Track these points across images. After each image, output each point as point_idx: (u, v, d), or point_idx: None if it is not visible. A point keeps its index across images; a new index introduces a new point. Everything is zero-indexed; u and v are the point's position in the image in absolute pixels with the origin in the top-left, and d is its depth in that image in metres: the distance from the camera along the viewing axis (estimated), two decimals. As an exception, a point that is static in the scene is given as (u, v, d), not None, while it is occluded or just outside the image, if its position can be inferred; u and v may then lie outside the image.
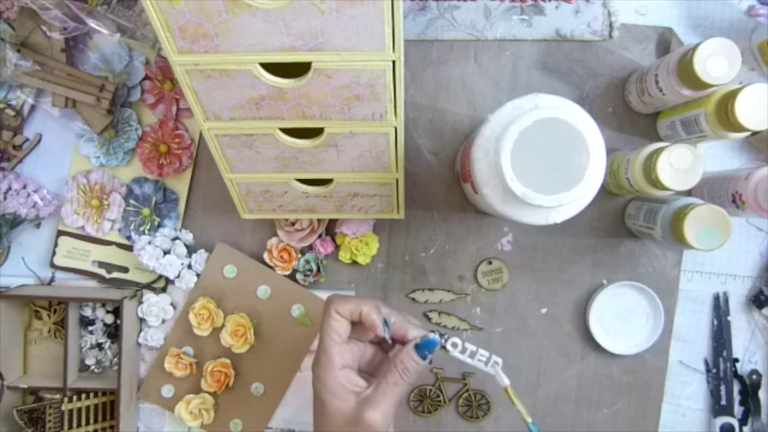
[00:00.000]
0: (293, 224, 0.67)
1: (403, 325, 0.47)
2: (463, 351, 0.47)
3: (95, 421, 0.69)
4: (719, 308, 0.67)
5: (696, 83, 0.54)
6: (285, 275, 0.68)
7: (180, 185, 0.69)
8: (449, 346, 0.47)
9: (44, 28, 0.63)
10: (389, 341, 0.47)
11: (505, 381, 0.47)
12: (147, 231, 0.68)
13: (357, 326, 0.48)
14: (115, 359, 0.70)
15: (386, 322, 0.46)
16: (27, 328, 0.71)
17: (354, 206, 0.62)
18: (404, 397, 0.47)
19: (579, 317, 0.68)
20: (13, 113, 0.67)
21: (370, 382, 0.47)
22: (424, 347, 0.45)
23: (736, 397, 0.68)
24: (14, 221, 0.67)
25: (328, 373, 0.45)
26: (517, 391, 0.69)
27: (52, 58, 0.64)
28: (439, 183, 0.68)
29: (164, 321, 0.69)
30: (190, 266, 0.68)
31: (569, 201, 0.46)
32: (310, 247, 0.68)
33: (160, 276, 0.69)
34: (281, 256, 0.67)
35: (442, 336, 0.47)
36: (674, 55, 0.56)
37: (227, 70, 0.47)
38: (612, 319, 0.67)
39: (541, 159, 0.45)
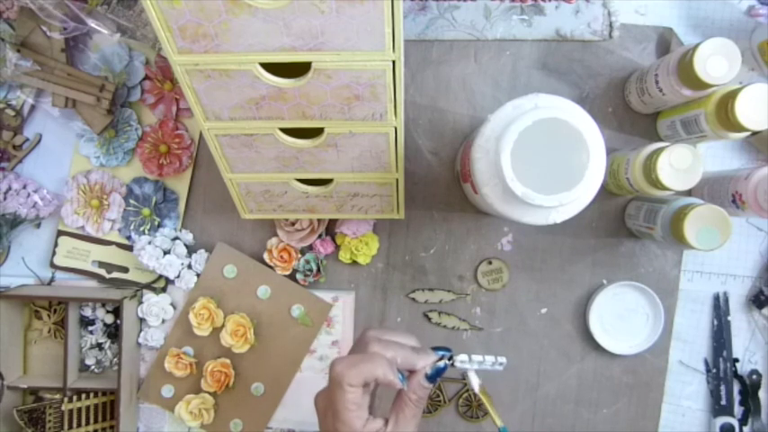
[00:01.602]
0: (293, 224, 0.67)
1: (410, 359, 0.45)
2: (471, 363, 0.46)
3: (95, 421, 0.69)
4: (719, 308, 0.67)
5: (696, 83, 0.54)
6: (285, 275, 0.68)
7: (180, 185, 0.69)
8: (458, 364, 0.46)
9: (44, 28, 0.63)
10: (406, 388, 0.45)
11: (476, 385, 0.46)
12: (147, 231, 0.68)
13: None
14: (115, 359, 0.70)
15: (400, 372, 0.44)
16: (27, 328, 0.71)
17: (354, 206, 0.62)
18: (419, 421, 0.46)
19: (579, 317, 0.68)
20: (13, 113, 0.67)
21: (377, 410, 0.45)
22: (434, 375, 0.45)
23: (736, 397, 0.68)
24: (14, 221, 0.67)
25: None
26: (517, 392, 0.69)
27: (52, 58, 0.64)
28: (439, 183, 0.68)
29: (164, 321, 0.69)
30: (190, 266, 0.68)
31: (569, 201, 0.46)
32: (310, 247, 0.68)
33: (160, 276, 0.69)
34: (281, 256, 0.67)
35: (447, 351, 0.45)
36: (674, 55, 0.56)
37: (227, 70, 0.47)
38: (612, 319, 0.67)
39: (541, 159, 0.45)
